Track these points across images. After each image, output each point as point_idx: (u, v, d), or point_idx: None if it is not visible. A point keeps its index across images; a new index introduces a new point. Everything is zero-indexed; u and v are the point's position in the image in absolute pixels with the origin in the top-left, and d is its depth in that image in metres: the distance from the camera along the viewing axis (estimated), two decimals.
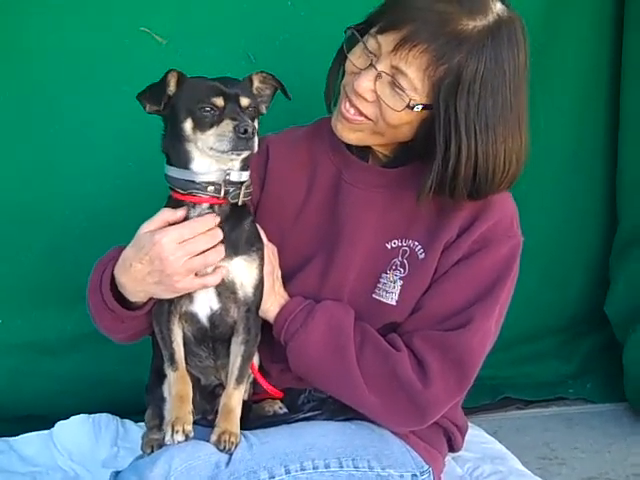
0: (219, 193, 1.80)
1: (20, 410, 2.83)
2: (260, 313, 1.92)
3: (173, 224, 1.80)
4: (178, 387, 1.83)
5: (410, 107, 1.84)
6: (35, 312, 2.86)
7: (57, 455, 2.60)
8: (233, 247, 1.82)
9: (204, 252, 1.78)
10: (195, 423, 1.82)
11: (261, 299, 1.90)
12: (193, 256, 1.77)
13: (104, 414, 2.71)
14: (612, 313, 3.49)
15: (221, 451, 1.77)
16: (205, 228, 1.78)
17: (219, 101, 1.75)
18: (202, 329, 1.88)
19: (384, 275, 1.98)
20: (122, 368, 2.76)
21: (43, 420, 2.69)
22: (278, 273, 2.00)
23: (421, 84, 1.83)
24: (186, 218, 1.81)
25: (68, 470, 2.56)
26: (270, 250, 1.98)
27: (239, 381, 1.86)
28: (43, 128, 2.75)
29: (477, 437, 2.70)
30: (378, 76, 1.86)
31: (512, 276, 1.97)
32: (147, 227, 1.81)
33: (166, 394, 1.90)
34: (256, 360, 1.99)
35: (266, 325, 1.96)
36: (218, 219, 1.80)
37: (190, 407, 1.81)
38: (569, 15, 3.25)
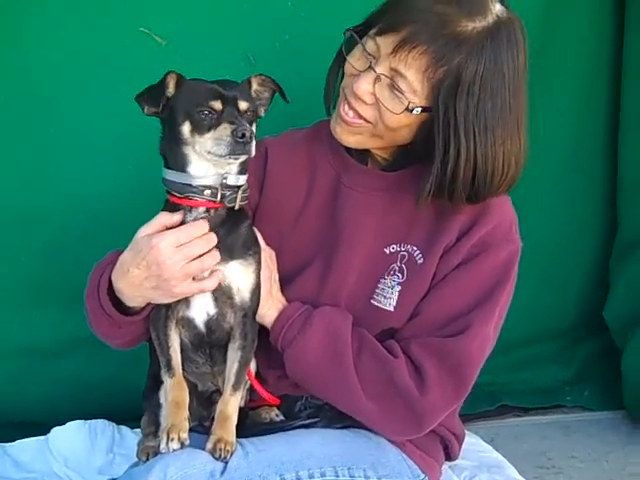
0: (216, 197, 1.79)
1: (16, 415, 2.82)
2: (257, 318, 1.92)
3: (170, 228, 1.79)
4: (174, 393, 1.83)
5: (409, 110, 1.83)
6: (34, 312, 2.84)
7: (52, 461, 2.59)
8: (229, 251, 1.82)
9: (200, 256, 1.77)
10: (191, 430, 1.81)
11: (258, 304, 1.89)
12: (190, 260, 1.76)
13: (100, 420, 2.70)
14: (611, 318, 3.45)
15: (217, 459, 1.76)
16: (201, 232, 1.78)
17: (217, 104, 1.74)
18: (199, 335, 1.88)
19: (382, 280, 1.96)
20: (119, 373, 2.73)
21: (39, 426, 2.68)
22: (276, 277, 1.99)
23: (420, 86, 1.82)
24: (183, 222, 1.80)
25: (63, 477, 2.56)
26: (268, 254, 1.97)
27: (236, 387, 1.85)
28: (43, 128, 2.74)
29: (474, 445, 2.66)
30: (377, 79, 1.85)
31: (511, 281, 1.96)
32: (144, 231, 1.81)
33: (162, 400, 1.89)
34: (253, 366, 1.98)
35: (263, 331, 1.95)
36: (207, 224, 1.78)
37: (186, 414, 1.80)
38: (568, 15, 3.22)
